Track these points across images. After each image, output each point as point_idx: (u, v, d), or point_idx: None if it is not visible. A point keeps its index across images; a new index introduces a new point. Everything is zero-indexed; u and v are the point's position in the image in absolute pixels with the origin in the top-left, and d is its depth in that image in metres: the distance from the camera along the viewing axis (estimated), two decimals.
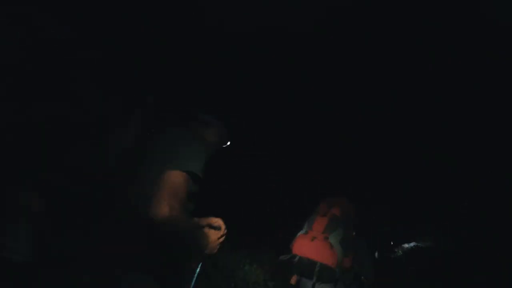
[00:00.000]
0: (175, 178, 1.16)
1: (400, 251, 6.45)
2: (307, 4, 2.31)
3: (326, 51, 2.86)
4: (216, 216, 1.41)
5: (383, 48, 2.81)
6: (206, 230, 1.28)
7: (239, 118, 1.57)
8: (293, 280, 2.41)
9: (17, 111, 2.29)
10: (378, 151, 4.51)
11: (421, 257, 5.67)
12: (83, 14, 2.25)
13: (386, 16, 2.48)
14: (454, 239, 5.58)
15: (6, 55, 2.10)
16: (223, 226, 1.36)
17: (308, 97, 3.48)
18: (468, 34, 2.58)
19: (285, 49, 2.77)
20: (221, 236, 1.36)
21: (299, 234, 2.54)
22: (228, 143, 1.71)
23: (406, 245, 6.46)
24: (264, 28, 2.49)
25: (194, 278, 1.39)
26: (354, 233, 2.57)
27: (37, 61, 2.27)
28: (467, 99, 3.36)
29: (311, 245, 2.43)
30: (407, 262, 5.78)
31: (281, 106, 3.51)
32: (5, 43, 2.08)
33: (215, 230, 1.31)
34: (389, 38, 2.69)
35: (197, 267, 1.42)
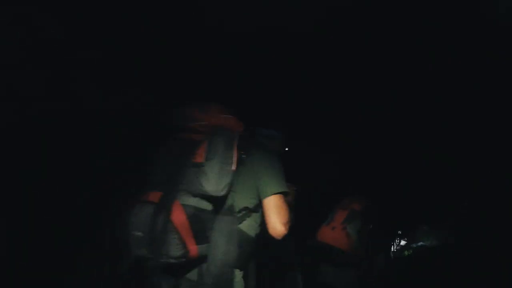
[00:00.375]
0: (278, 201, 1.39)
1: (407, 252, 6.47)
2: (307, 4, 2.31)
3: (326, 51, 2.85)
4: None
5: (383, 48, 2.81)
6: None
7: (238, 118, 1.57)
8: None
9: (17, 111, 2.29)
10: (378, 151, 4.51)
11: (424, 257, 5.69)
12: (83, 14, 2.25)
13: (386, 16, 2.48)
14: (455, 239, 5.58)
15: (6, 55, 2.10)
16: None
17: (308, 97, 3.48)
18: (468, 34, 2.58)
19: (285, 49, 2.77)
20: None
21: (323, 224, 2.94)
22: (286, 149, 1.87)
23: (414, 245, 6.48)
24: (264, 28, 2.49)
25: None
26: (371, 226, 2.91)
27: (37, 61, 2.27)
28: (467, 99, 3.37)
29: (331, 233, 2.81)
30: (412, 262, 5.81)
31: (281, 106, 3.51)
32: (5, 43, 2.08)
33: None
34: (389, 38, 2.69)
35: None
